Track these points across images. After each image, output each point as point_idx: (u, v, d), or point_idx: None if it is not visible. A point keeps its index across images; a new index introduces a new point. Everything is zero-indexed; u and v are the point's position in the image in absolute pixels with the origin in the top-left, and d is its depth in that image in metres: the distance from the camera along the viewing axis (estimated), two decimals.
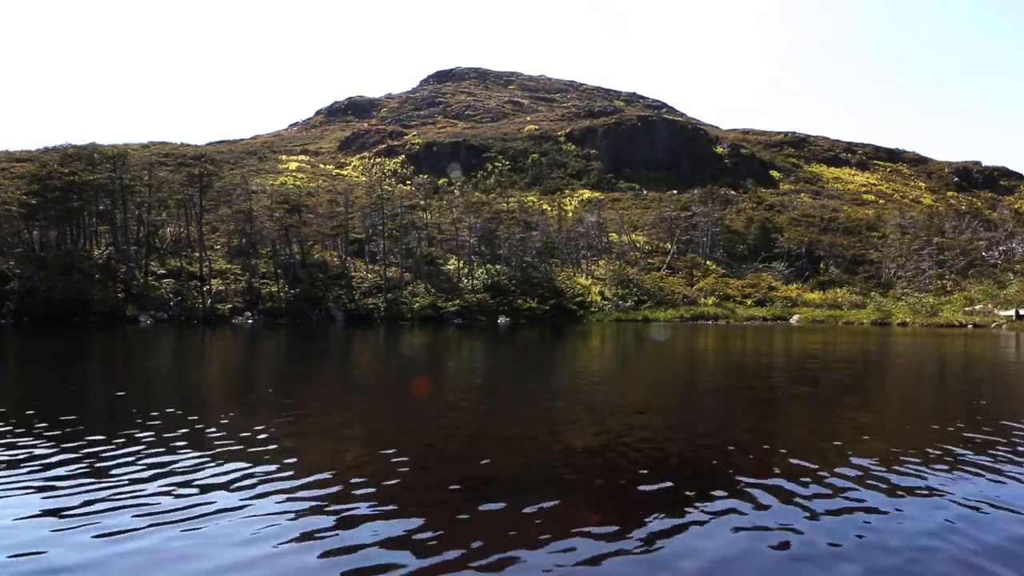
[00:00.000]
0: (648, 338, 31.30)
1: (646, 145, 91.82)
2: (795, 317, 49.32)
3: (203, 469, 7.00)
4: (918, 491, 6.30)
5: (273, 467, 7.13)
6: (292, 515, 5.64)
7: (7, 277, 41.18)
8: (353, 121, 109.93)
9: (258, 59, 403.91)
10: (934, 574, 4.58)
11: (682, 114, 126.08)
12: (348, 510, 5.77)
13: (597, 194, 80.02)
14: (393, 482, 6.62)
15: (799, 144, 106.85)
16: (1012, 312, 42.99)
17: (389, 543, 5.06)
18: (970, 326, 41.30)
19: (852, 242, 69.27)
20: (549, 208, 69.73)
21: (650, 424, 9.77)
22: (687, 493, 6.28)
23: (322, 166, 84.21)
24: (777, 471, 6.97)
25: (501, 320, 47.12)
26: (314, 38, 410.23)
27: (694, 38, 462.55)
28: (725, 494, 6.18)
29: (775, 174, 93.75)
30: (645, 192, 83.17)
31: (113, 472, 6.85)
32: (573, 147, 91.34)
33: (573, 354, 23.53)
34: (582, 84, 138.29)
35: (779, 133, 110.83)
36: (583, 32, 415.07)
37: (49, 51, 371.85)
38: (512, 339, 31.15)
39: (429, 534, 5.22)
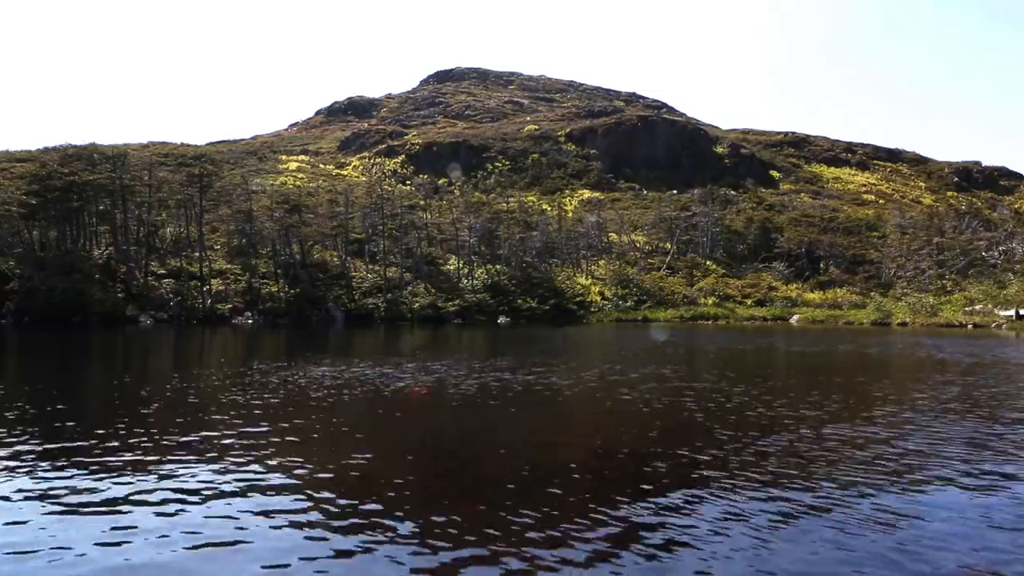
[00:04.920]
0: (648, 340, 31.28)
1: (646, 145, 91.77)
2: (795, 317, 49.31)
3: (194, 473, 7.00)
4: (917, 495, 6.31)
5: (268, 473, 7.14)
6: (291, 519, 5.64)
7: (7, 277, 41.16)
8: (353, 121, 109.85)
9: (258, 59, 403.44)
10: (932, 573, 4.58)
11: (682, 114, 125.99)
12: (348, 513, 5.77)
13: (597, 194, 79.99)
14: (393, 484, 6.62)
15: (799, 144, 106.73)
16: (1012, 312, 42.97)
17: (390, 546, 5.06)
18: (970, 326, 41.28)
19: (852, 242, 69.23)
20: (549, 208, 69.72)
21: (648, 424, 9.77)
22: (686, 493, 6.28)
23: (322, 166, 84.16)
24: (774, 473, 6.98)
25: (501, 320, 47.13)
26: (314, 38, 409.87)
27: (694, 38, 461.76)
28: (724, 496, 6.19)
29: (775, 174, 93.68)
30: (645, 192, 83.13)
31: (106, 475, 6.85)
32: (573, 147, 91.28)
33: (573, 356, 23.53)
34: (582, 84, 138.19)
35: (779, 133, 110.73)
36: (583, 32, 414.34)
37: (49, 51, 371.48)
38: (511, 338, 31.15)
39: (430, 536, 5.22)
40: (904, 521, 5.52)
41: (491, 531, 5.27)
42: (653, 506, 5.85)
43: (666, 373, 16.24)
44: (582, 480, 6.78)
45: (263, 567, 4.67)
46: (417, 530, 5.30)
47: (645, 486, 6.48)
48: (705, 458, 7.60)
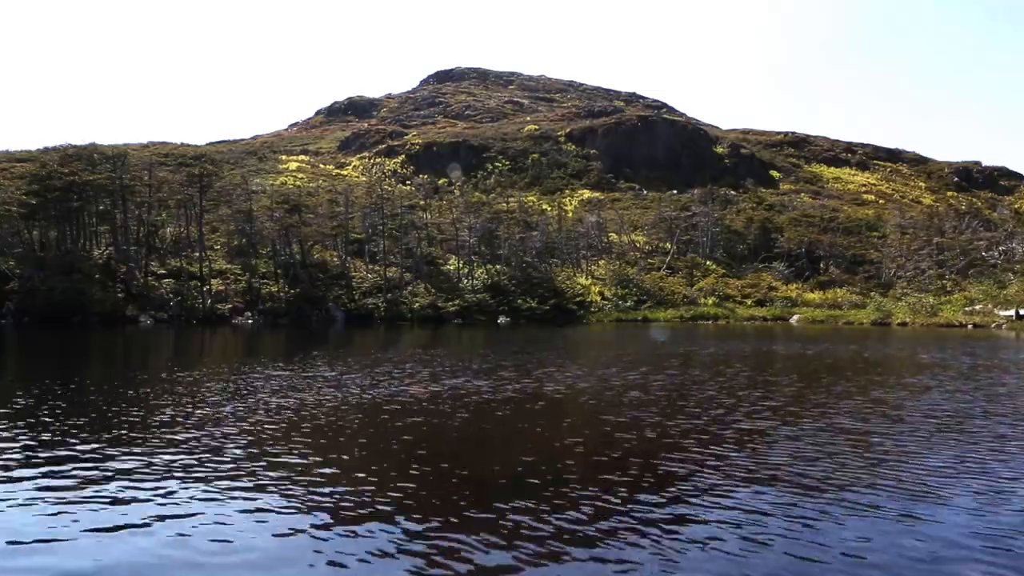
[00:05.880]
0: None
1: (646, 145, 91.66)
2: (795, 317, 49.29)
3: (201, 473, 7.01)
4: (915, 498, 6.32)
5: (264, 472, 7.14)
6: (292, 520, 5.64)
7: (7, 277, 41.15)
8: (353, 121, 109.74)
9: (258, 59, 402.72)
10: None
11: (682, 114, 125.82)
12: (346, 514, 5.77)
13: (597, 194, 79.90)
14: (391, 485, 6.63)
15: (799, 144, 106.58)
16: (1012, 312, 42.92)
17: (389, 547, 5.06)
18: (970, 326, 41.26)
19: (852, 242, 69.16)
20: (549, 208, 69.66)
21: (645, 424, 9.78)
22: (684, 492, 6.29)
23: (322, 166, 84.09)
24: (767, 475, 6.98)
25: (501, 320, 47.13)
26: (314, 38, 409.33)
27: (694, 38, 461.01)
28: (720, 499, 6.20)
29: (775, 174, 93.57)
30: (645, 192, 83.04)
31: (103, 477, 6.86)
32: (573, 147, 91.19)
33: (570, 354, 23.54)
34: (582, 84, 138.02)
35: (779, 133, 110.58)
36: (583, 32, 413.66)
37: (49, 51, 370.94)
38: (509, 339, 31.17)
39: (427, 537, 5.22)
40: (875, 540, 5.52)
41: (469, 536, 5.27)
42: (639, 511, 5.86)
43: (660, 382, 16.26)
44: (555, 496, 6.78)
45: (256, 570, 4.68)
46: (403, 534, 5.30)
47: (630, 494, 6.48)
48: (695, 468, 7.61)
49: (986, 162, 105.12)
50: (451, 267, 55.84)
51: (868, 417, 10.23)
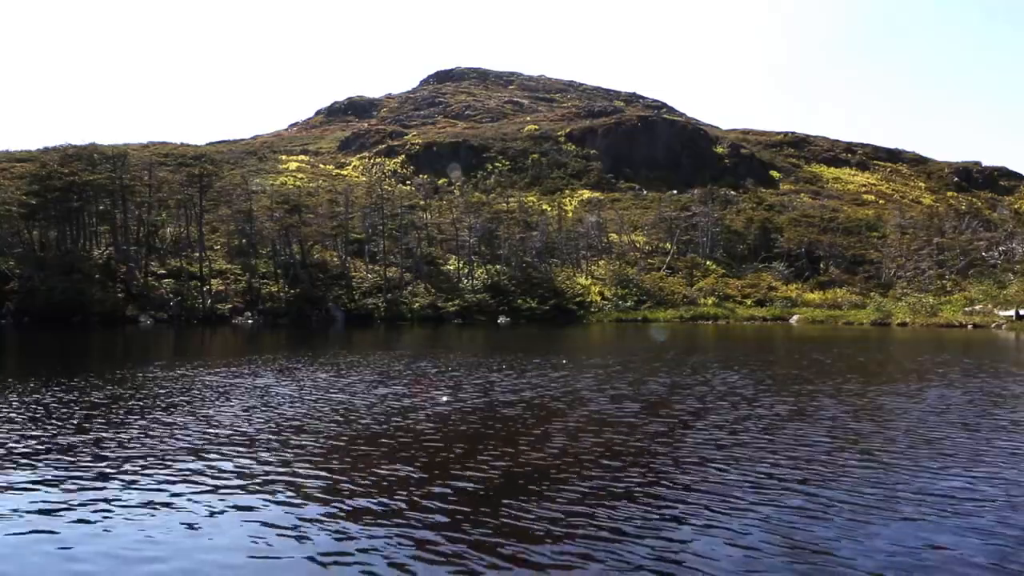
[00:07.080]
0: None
1: (646, 145, 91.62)
2: (795, 317, 49.26)
3: (204, 472, 7.01)
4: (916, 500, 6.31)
5: (260, 468, 7.14)
6: (293, 518, 5.65)
7: (7, 277, 41.15)
8: (353, 121, 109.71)
9: (258, 59, 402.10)
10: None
11: (682, 114, 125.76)
12: (345, 513, 5.78)
13: (597, 194, 79.86)
14: (390, 485, 6.63)
15: (799, 144, 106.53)
16: (1012, 312, 42.88)
17: (387, 547, 5.06)
18: (970, 326, 41.24)
19: (852, 242, 69.13)
20: (549, 208, 69.63)
21: (641, 421, 9.77)
22: (682, 488, 6.29)
23: (322, 166, 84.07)
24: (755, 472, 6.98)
25: (501, 320, 47.13)
26: (314, 38, 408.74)
27: (694, 38, 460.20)
28: (718, 498, 6.20)
29: (775, 174, 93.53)
30: (645, 192, 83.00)
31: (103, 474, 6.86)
32: (573, 147, 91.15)
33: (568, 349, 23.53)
34: (582, 84, 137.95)
35: (779, 133, 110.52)
36: (583, 32, 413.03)
37: (49, 51, 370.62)
38: (508, 339, 31.15)
39: (426, 536, 5.22)
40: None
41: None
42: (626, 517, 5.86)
43: (655, 387, 16.24)
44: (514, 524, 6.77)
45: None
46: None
47: (627, 498, 6.48)
48: (683, 483, 7.60)
49: (986, 162, 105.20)
50: (451, 267, 55.84)
51: (866, 425, 10.22)
